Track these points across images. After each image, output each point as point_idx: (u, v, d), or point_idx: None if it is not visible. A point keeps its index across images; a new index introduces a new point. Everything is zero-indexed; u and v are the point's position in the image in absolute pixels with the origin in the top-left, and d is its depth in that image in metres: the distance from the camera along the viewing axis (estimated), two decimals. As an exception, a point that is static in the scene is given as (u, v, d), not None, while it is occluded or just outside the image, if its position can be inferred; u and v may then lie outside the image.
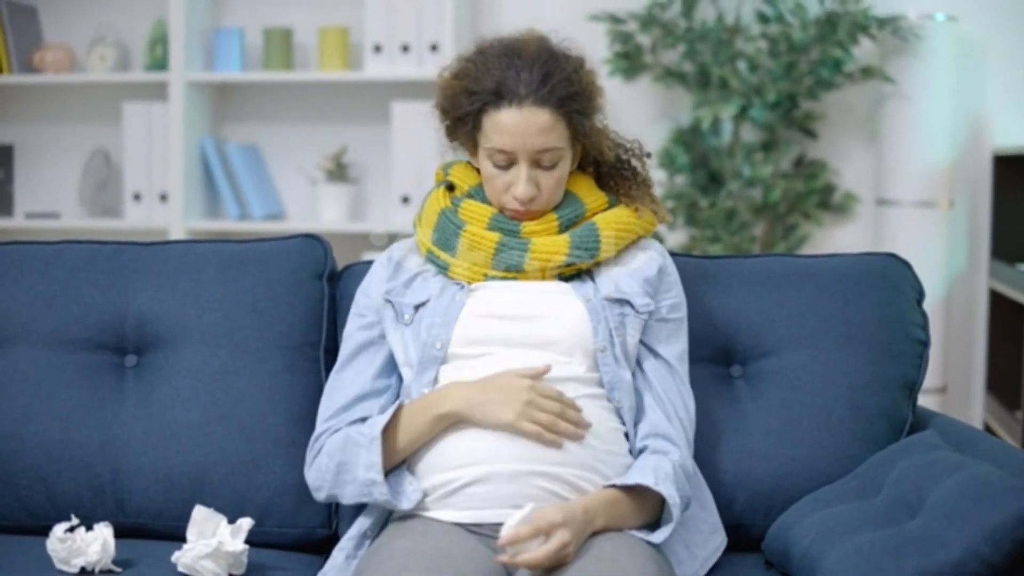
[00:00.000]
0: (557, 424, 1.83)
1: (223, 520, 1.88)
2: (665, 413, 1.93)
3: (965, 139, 4.02)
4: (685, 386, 1.98)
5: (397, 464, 1.90)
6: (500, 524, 1.76)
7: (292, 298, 2.16)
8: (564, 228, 1.97)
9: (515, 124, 1.89)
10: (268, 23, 4.22)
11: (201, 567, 1.84)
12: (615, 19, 3.92)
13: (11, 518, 2.09)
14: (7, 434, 2.09)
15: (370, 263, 2.10)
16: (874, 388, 2.11)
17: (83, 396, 2.11)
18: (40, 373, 2.12)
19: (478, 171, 2.01)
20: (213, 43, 4.19)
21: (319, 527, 2.10)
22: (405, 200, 4.03)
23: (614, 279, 1.96)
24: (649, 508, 1.87)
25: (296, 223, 4.18)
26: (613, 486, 1.84)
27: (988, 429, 3.88)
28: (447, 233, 1.98)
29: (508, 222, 1.96)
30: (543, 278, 1.96)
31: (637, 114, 4.03)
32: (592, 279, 1.97)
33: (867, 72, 3.86)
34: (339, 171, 4.16)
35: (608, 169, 2.05)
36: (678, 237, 4.07)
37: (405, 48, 4.01)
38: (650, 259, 2.00)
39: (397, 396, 1.98)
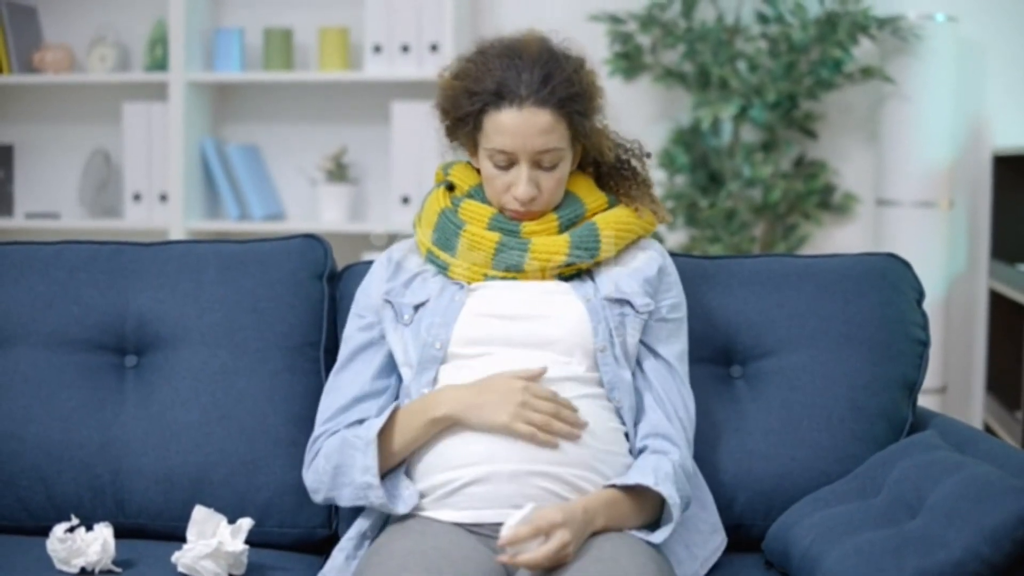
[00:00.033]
0: (552, 424, 1.83)
1: (223, 520, 1.88)
2: (665, 413, 1.93)
3: (965, 139, 4.02)
4: (685, 386, 1.98)
5: (394, 467, 1.90)
6: (500, 524, 1.76)
7: (292, 298, 2.16)
8: (564, 228, 1.97)
9: (516, 125, 1.90)
10: (268, 23, 4.22)
11: (201, 567, 1.84)
12: (615, 19, 3.92)
13: (11, 518, 2.10)
14: (7, 434, 2.09)
15: (370, 263, 2.10)
16: (874, 388, 2.11)
17: (83, 396, 2.11)
18: (40, 374, 2.12)
19: (478, 171, 2.01)
20: (213, 43, 4.19)
21: (319, 527, 2.10)
22: (405, 200, 4.03)
23: (614, 279, 1.96)
24: (649, 508, 1.87)
25: (296, 223, 4.18)
26: (613, 486, 1.85)
27: (988, 429, 3.88)
28: (447, 233, 1.98)
29: (508, 222, 1.96)
30: (543, 278, 1.96)
31: (637, 114, 4.03)
32: (592, 279, 1.97)
33: (867, 72, 3.86)
34: (339, 171, 4.16)
35: (608, 169, 2.05)
36: (678, 237, 4.07)
37: (405, 48, 4.01)
38: (650, 259, 2.00)
39: (396, 397, 1.98)
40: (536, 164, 1.93)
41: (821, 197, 4.01)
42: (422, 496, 1.87)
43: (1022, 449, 2.43)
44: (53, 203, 4.39)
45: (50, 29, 4.35)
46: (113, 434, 2.09)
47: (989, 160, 3.97)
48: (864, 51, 3.94)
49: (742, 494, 2.06)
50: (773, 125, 3.93)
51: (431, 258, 2.00)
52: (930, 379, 3.47)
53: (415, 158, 3.99)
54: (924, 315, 2.20)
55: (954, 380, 4.07)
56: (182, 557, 1.85)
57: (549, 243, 1.95)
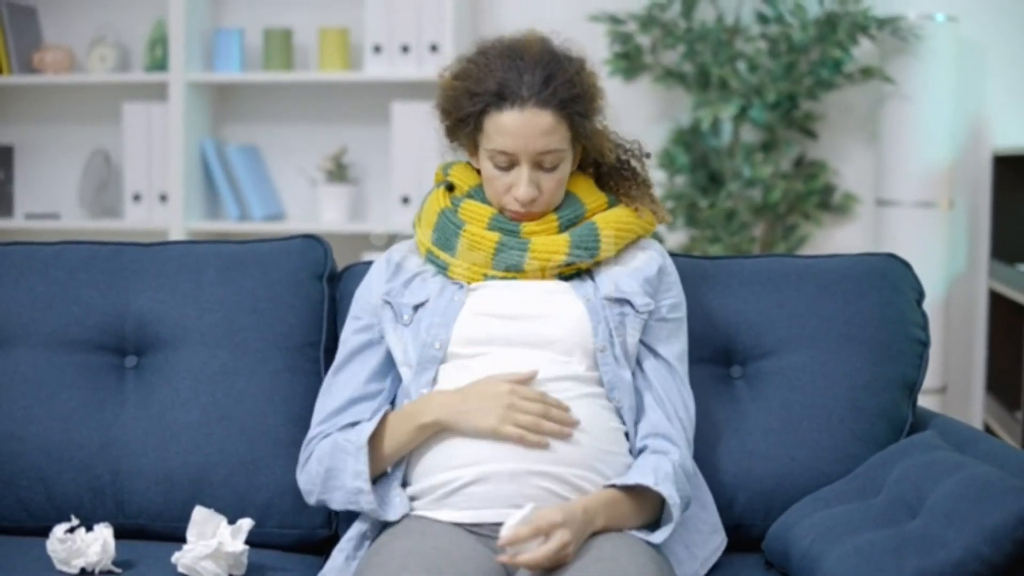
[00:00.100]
0: (541, 425, 1.83)
1: (223, 521, 1.88)
2: (665, 413, 1.93)
3: (965, 139, 4.02)
4: (685, 386, 1.98)
5: (387, 473, 1.90)
6: (500, 524, 1.76)
7: (292, 299, 2.16)
8: (564, 228, 1.97)
9: (517, 126, 1.89)
10: (268, 23, 4.22)
11: (201, 568, 1.84)
12: (615, 20, 3.92)
13: (11, 519, 2.09)
14: (7, 435, 2.09)
15: (370, 264, 2.10)
16: (874, 388, 2.11)
17: (83, 397, 2.11)
18: (40, 374, 2.12)
19: (478, 171, 2.01)
20: (213, 43, 4.19)
21: (319, 528, 2.10)
22: (405, 200, 4.03)
23: (614, 279, 1.96)
24: (649, 508, 1.87)
25: (296, 224, 4.18)
26: (613, 486, 1.84)
27: (988, 429, 3.88)
28: (447, 233, 1.98)
29: (508, 222, 1.96)
30: (543, 278, 1.96)
31: (637, 115, 4.03)
32: (592, 279, 1.97)
33: (867, 72, 3.86)
34: (339, 171, 4.16)
35: (608, 169, 2.05)
36: (678, 237, 4.07)
37: (405, 48, 4.01)
38: (650, 259, 2.00)
39: (392, 399, 1.98)
40: (537, 165, 1.93)
41: (821, 197, 4.01)
42: (422, 496, 1.87)
43: (1022, 449, 2.43)
44: (53, 203, 4.39)
45: (50, 29, 4.35)
46: (113, 434, 2.09)
47: (989, 160, 3.97)
48: (864, 51, 3.94)
49: (742, 494, 2.06)
50: (773, 125, 3.93)
51: (431, 258, 2.00)
52: (930, 379, 3.46)
53: (415, 158, 3.99)
54: (924, 315, 2.20)
55: (954, 380, 4.07)
56: (182, 558, 1.85)
57: (549, 243, 1.95)
